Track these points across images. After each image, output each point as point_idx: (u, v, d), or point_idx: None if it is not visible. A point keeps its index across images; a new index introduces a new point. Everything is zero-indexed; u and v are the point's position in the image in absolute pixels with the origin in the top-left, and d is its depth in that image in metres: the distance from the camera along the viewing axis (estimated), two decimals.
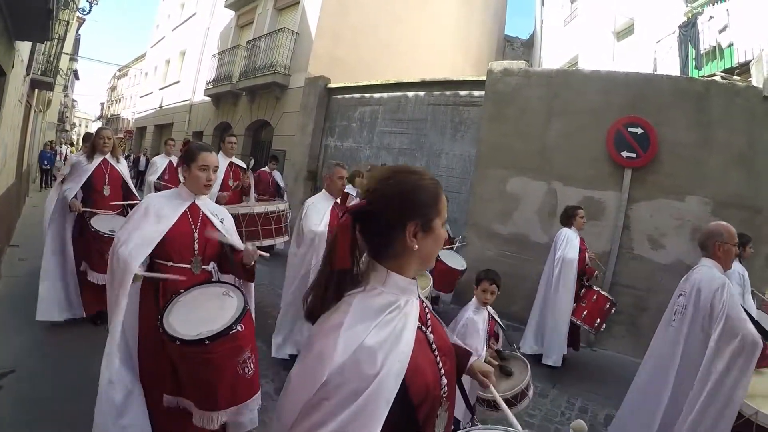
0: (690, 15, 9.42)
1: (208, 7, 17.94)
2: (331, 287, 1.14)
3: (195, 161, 2.56)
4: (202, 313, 2.27)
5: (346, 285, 1.15)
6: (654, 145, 5.85)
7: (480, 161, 7.14)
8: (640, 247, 6.00)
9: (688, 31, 9.20)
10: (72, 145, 33.22)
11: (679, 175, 5.80)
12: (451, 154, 7.89)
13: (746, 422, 2.59)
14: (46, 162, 17.15)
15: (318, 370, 0.99)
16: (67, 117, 33.29)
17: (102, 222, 4.26)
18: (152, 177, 7.22)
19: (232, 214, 3.94)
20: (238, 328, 2.15)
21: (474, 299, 3.13)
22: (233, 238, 2.76)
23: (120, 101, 45.08)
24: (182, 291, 2.42)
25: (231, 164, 6.05)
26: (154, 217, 2.49)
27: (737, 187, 5.56)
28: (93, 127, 65.45)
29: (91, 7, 12.98)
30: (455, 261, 5.82)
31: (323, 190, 4.25)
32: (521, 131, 6.78)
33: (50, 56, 10.65)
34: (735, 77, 7.46)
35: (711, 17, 8.63)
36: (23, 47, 6.95)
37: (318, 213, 4.00)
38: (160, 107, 21.60)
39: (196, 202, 2.66)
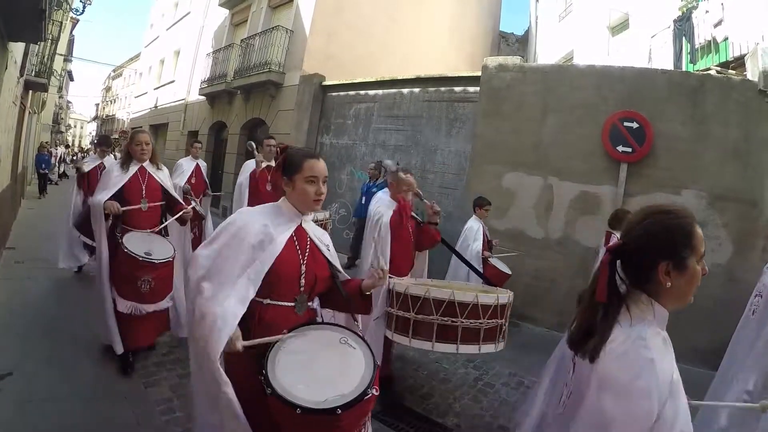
0: (685, 9, 9.41)
1: (202, 5, 17.86)
2: (601, 319, 1.26)
3: (299, 171, 1.99)
4: (321, 368, 1.78)
5: (611, 317, 1.26)
6: (649, 140, 5.86)
7: (475, 157, 7.15)
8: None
9: (683, 26, 9.19)
10: (67, 147, 32.95)
11: (675, 169, 5.81)
12: (446, 151, 7.89)
13: None
14: (43, 166, 15.71)
15: (651, 407, 1.08)
16: (62, 118, 33.15)
17: (136, 241, 3.60)
18: (179, 180, 6.75)
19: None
20: (373, 391, 1.71)
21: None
22: (339, 267, 2.21)
23: (115, 102, 44.94)
24: (285, 331, 1.88)
25: (270, 168, 5.35)
26: (253, 247, 1.87)
27: (733, 181, 5.58)
28: (88, 129, 65.21)
29: (84, 8, 12.95)
30: (503, 265, 5.78)
31: (388, 196, 3.94)
32: (517, 127, 6.78)
33: (44, 57, 10.61)
34: (730, 71, 7.46)
35: (707, 11, 8.63)
36: (16, 48, 6.92)
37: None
38: (155, 107, 21.52)
39: (303, 224, 2.09)
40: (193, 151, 7.40)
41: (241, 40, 14.05)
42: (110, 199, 3.63)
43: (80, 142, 58.03)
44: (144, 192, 3.85)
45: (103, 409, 3.06)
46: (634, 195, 6.00)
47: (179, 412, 3.13)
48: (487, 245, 5.87)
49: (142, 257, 3.47)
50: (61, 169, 22.31)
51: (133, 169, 3.85)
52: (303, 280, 2.01)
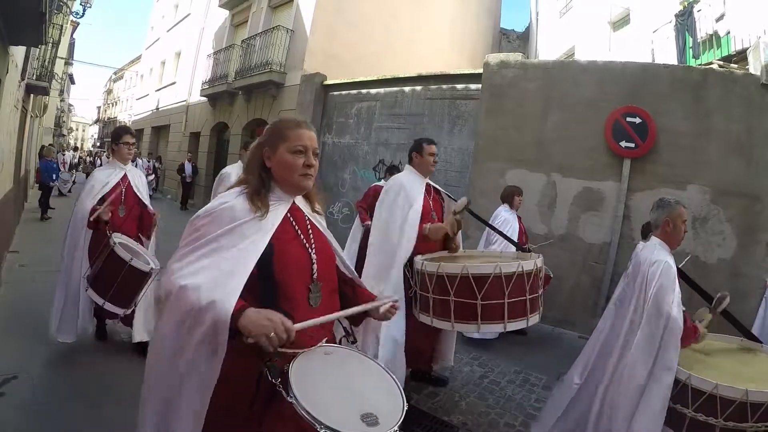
0: (686, 3, 9.39)
1: (202, 7, 17.89)
2: None
3: None
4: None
5: None
6: (652, 135, 5.84)
7: (478, 154, 7.13)
8: (641, 237, 5.99)
9: (685, 20, 9.17)
10: (76, 150, 32.80)
11: (678, 164, 5.79)
12: (449, 148, 7.88)
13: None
14: (55, 177, 12.02)
15: None
16: (64, 122, 33.19)
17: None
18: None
19: (471, 275, 2.74)
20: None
21: None
22: None
23: (116, 104, 45.04)
24: None
25: (429, 188, 3.72)
26: None
27: (736, 175, 5.55)
28: (90, 132, 64.93)
29: (84, 11, 12.96)
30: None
31: (656, 238, 2.82)
32: (519, 123, 6.76)
33: (45, 61, 10.64)
34: (732, 65, 7.43)
35: (709, 5, 8.60)
36: (17, 52, 6.93)
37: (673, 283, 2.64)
38: (157, 109, 21.57)
39: None
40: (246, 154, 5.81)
41: (242, 41, 14.06)
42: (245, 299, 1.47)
43: (83, 145, 58.14)
44: (315, 267, 1.71)
45: (108, 411, 3.06)
46: (637, 191, 5.99)
47: None
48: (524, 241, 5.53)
49: None
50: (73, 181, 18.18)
51: (280, 210, 1.68)
52: None
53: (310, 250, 1.71)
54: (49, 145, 14.91)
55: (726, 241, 5.53)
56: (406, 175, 3.65)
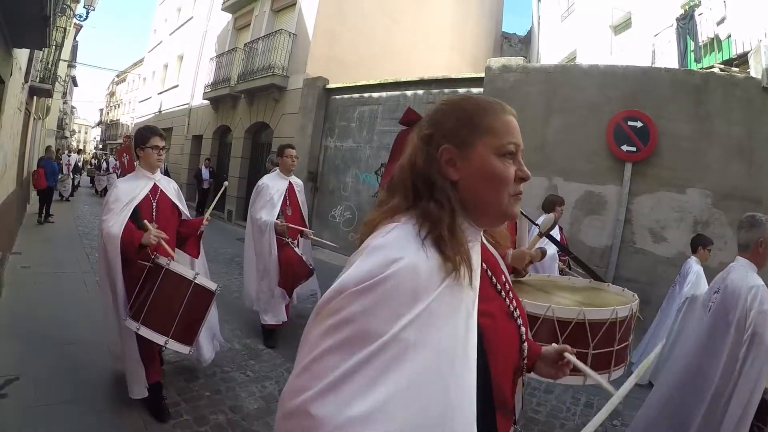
0: (687, 7, 9.39)
1: (204, 10, 17.94)
2: None
3: None
4: None
5: None
6: (654, 139, 5.84)
7: None
8: (642, 241, 5.99)
9: (686, 24, 9.17)
10: (79, 152, 32.86)
11: (680, 168, 5.79)
12: None
13: None
14: (56, 177, 12.08)
15: None
16: (67, 124, 33.19)
17: None
18: (266, 214, 4.31)
19: (588, 321, 2.32)
20: None
21: None
22: None
23: (119, 107, 45.10)
24: None
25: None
26: None
27: (737, 179, 5.55)
28: (92, 134, 65.11)
29: (88, 14, 12.99)
30: None
31: (742, 258, 2.77)
32: (521, 127, 6.65)
33: (48, 63, 10.66)
34: (733, 69, 7.43)
35: (710, 9, 8.61)
36: (21, 55, 6.96)
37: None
38: (159, 112, 21.59)
39: None
40: (286, 161, 4.57)
41: (245, 44, 14.09)
42: None
43: (85, 147, 58.20)
44: (525, 346, 1.34)
45: (110, 413, 3.06)
46: (638, 194, 5.99)
47: (186, 416, 3.14)
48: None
49: None
50: (76, 181, 18.26)
51: (475, 258, 1.01)
52: None
53: (518, 321, 1.11)
54: (47, 147, 14.32)
55: (728, 245, 5.51)
56: None
